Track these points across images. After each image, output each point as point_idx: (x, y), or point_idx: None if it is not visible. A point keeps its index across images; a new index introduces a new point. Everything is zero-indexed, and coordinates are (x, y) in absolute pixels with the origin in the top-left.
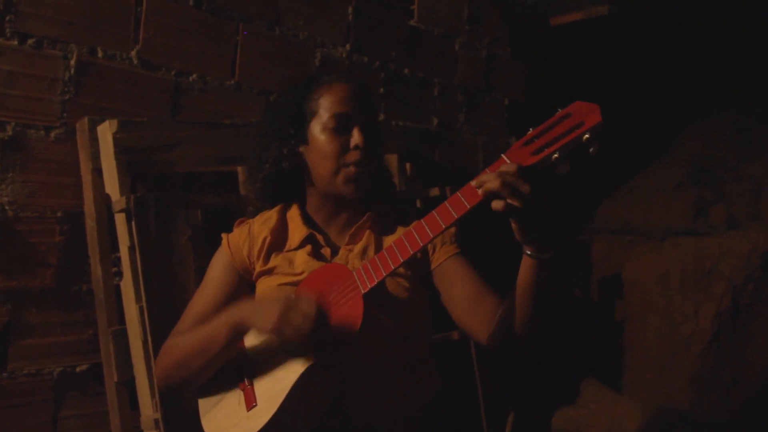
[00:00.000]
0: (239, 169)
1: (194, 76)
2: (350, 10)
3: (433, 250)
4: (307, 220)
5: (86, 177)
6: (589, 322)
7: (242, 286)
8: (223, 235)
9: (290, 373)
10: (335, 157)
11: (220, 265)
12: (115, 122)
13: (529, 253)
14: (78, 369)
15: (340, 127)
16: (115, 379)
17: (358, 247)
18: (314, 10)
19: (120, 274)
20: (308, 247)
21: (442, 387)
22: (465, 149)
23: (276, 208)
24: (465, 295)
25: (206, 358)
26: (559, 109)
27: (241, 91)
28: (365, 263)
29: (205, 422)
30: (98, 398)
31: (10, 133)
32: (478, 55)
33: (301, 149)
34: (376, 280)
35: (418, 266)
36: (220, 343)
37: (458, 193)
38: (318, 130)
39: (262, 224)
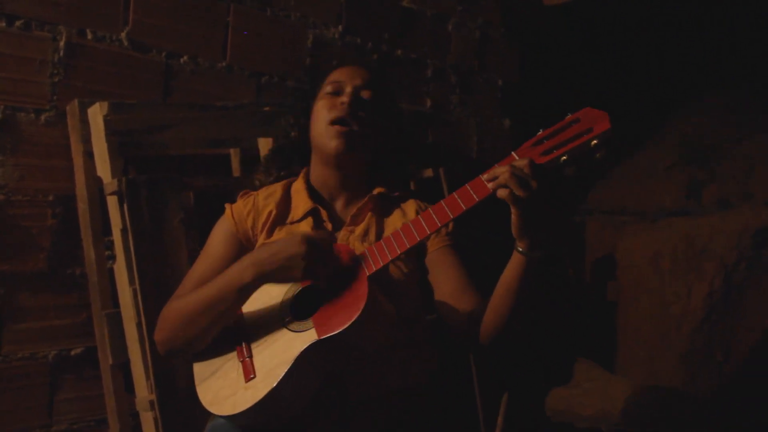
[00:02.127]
0: (231, 151)
1: (185, 57)
2: None
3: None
4: (312, 192)
5: (77, 160)
6: (582, 303)
7: (244, 254)
8: (227, 206)
9: (291, 348)
10: (326, 115)
11: (222, 234)
12: (105, 104)
13: (520, 249)
14: (72, 352)
15: (335, 91)
16: (110, 361)
17: (359, 229)
18: None
19: (113, 257)
20: (311, 221)
21: (438, 367)
22: (458, 130)
23: (281, 183)
24: (447, 288)
25: (216, 313)
26: (569, 114)
27: (232, 72)
28: (371, 246)
29: (201, 390)
30: (93, 381)
31: (0, 116)
32: (471, 36)
33: (311, 120)
34: (382, 263)
35: (417, 251)
36: (233, 294)
37: (467, 186)
38: (320, 97)
39: (267, 197)
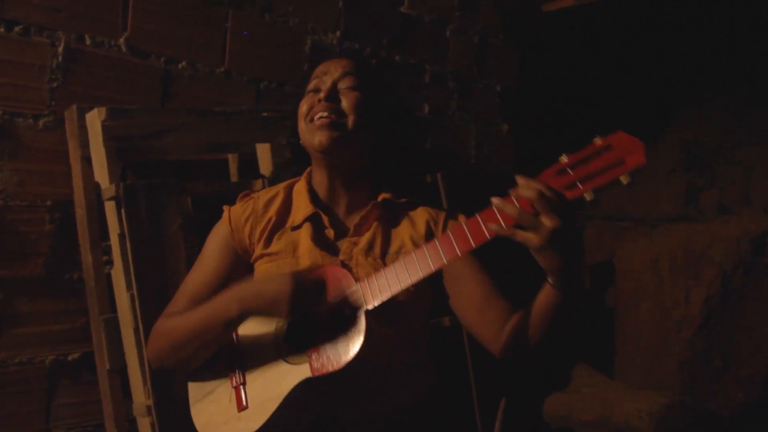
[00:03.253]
0: (230, 156)
1: (184, 63)
2: None
3: None
4: (313, 195)
5: (75, 165)
6: (581, 308)
7: (239, 265)
8: (225, 208)
9: (284, 381)
10: (304, 111)
11: (217, 241)
12: (104, 110)
13: (551, 282)
14: (70, 357)
15: (315, 88)
16: (108, 366)
17: (363, 241)
18: None
19: (111, 262)
20: (310, 227)
21: (435, 386)
22: (457, 136)
23: (282, 184)
24: (474, 300)
25: (204, 341)
26: (598, 138)
27: (231, 78)
28: (372, 276)
29: (195, 412)
30: (91, 386)
31: None
32: (470, 42)
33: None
34: (382, 299)
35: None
36: (219, 327)
37: (479, 218)
38: (303, 99)
39: (268, 203)
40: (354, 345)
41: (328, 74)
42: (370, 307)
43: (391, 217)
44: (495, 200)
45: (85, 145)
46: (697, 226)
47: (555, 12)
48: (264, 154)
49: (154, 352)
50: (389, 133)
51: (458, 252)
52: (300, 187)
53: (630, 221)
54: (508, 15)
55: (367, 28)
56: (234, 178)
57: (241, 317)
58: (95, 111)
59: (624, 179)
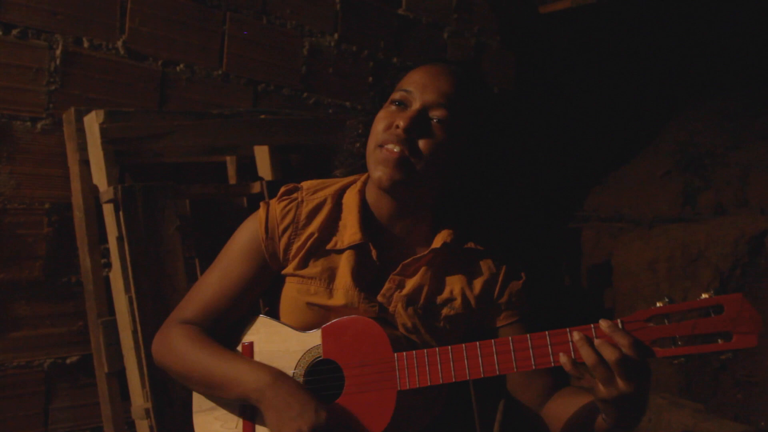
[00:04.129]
0: (228, 158)
1: (181, 65)
2: None
3: (496, 312)
4: (364, 215)
5: (73, 168)
6: (579, 310)
7: (265, 273)
8: (262, 204)
9: None
10: (377, 134)
11: (246, 243)
12: (101, 112)
13: (607, 420)
14: (68, 360)
15: (400, 102)
16: (106, 369)
17: (409, 285)
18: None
19: (109, 264)
20: (354, 258)
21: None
22: None
23: (331, 190)
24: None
25: (206, 392)
26: (709, 295)
27: (228, 80)
28: (411, 354)
29: (197, 422)
30: (89, 389)
31: None
32: (467, 44)
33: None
34: (418, 385)
35: (471, 320)
36: (226, 394)
37: (548, 338)
38: (385, 105)
39: (312, 213)
40: (378, 424)
41: (421, 92)
42: (403, 388)
43: (447, 263)
44: (575, 335)
45: (83, 147)
46: (694, 227)
47: (551, 14)
48: (262, 156)
49: (160, 360)
50: (471, 168)
51: (515, 369)
52: (351, 200)
53: (627, 223)
54: (504, 17)
55: (365, 30)
56: (232, 181)
57: (254, 404)
58: (93, 114)
59: (725, 356)
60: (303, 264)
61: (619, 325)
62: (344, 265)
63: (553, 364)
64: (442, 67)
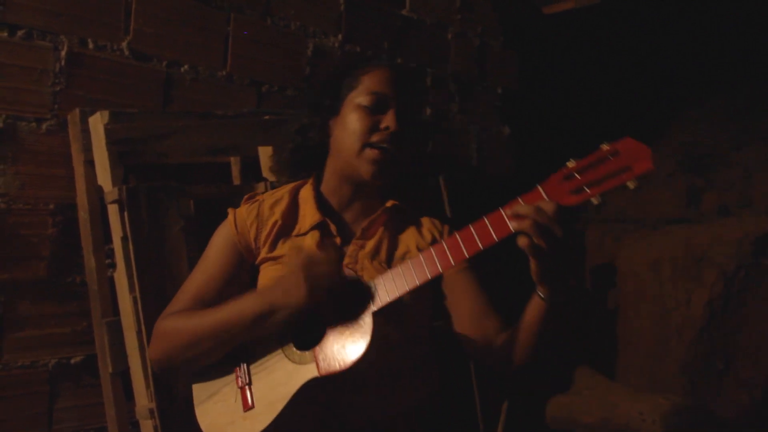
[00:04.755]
0: (232, 159)
1: (185, 66)
2: None
3: None
4: (320, 202)
5: (78, 168)
6: (582, 310)
7: (243, 266)
8: (230, 210)
9: (291, 380)
10: (362, 135)
11: (222, 242)
12: (106, 113)
13: (541, 295)
14: (73, 360)
15: (374, 107)
16: (110, 369)
17: (369, 245)
18: (305, 0)
19: (113, 265)
20: (317, 235)
21: (440, 386)
22: (458, 138)
23: (287, 188)
24: (466, 314)
25: (222, 341)
26: (606, 144)
27: (232, 81)
28: (380, 278)
29: (199, 413)
30: (93, 389)
31: (1, 125)
32: (470, 45)
33: (332, 122)
34: (389, 300)
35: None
36: (243, 327)
37: (486, 220)
38: (352, 106)
39: (273, 205)
40: (360, 345)
41: (393, 99)
42: (376, 308)
43: (397, 224)
44: (506, 210)
45: (87, 148)
46: (698, 227)
47: (555, 15)
48: (266, 157)
49: (160, 352)
50: (418, 149)
51: (466, 253)
52: (306, 194)
53: (631, 223)
54: (508, 18)
55: (369, 30)
56: (236, 181)
57: (264, 311)
58: (98, 114)
59: (631, 184)
60: (272, 247)
61: (540, 190)
62: (309, 243)
63: (496, 239)
64: (405, 70)
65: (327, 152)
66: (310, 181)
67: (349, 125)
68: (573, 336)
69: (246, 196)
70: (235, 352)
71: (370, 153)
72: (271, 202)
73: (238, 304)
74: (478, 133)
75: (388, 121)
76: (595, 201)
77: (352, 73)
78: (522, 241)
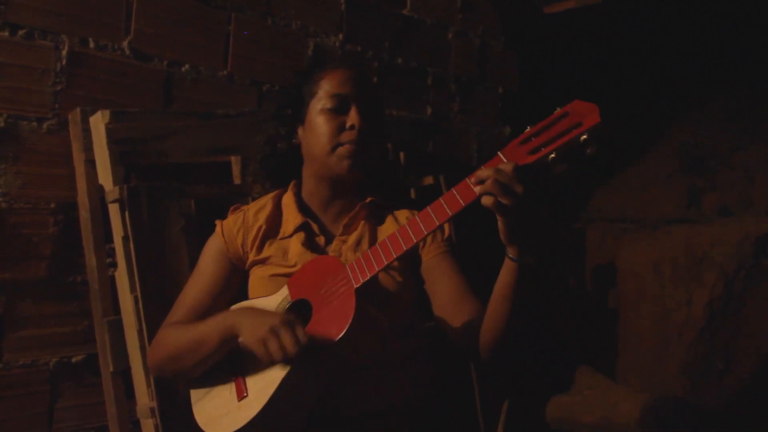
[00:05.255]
0: (232, 159)
1: (186, 66)
2: None
3: (424, 245)
4: (301, 206)
5: (79, 168)
6: (583, 310)
7: (235, 275)
8: (217, 222)
9: (280, 366)
10: (331, 136)
11: (213, 253)
12: (107, 113)
13: (511, 255)
14: (74, 359)
15: (337, 108)
16: (111, 369)
17: (351, 239)
18: (306, 0)
19: (114, 264)
20: (302, 236)
21: (434, 380)
22: (459, 139)
23: (270, 195)
24: (444, 296)
25: (198, 358)
26: (558, 108)
27: (233, 81)
28: (358, 257)
29: (196, 410)
30: (94, 388)
31: (2, 124)
32: (471, 45)
33: (299, 130)
34: (369, 275)
35: (410, 259)
36: (212, 345)
37: (453, 190)
38: (316, 111)
39: (257, 212)
40: (345, 320)
41: (353, 98)
42: (358, 284)
43: (377, 217)
44: (471, 178)
45: (88, 148)
46: (699, 228)
47: (556, 14)
48: None
49: (153, 362)
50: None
51: (436, 221)
52: (288, 200)
53: (631, 223)
54: (509, 17)
55: (369, 30)
56: (237, 181)
57: (230, 340)
58: (99, 114)
59: (583, 138)
60: (259, 250)
61: (500, 155)
62: (295, 243)
63: (463, 204)
64: (358, 68)
65: (301, 159)
66: (291, 187)
67: (317, 129)
68: (573, 336)
69: (231, 208)
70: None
71: (342, 150)
72: (255, 209)
73: (210, 325)
74: (479, 134)
75: (353, 119)
76: (552, 156)
77: (310, 79)
78: (486, 200)
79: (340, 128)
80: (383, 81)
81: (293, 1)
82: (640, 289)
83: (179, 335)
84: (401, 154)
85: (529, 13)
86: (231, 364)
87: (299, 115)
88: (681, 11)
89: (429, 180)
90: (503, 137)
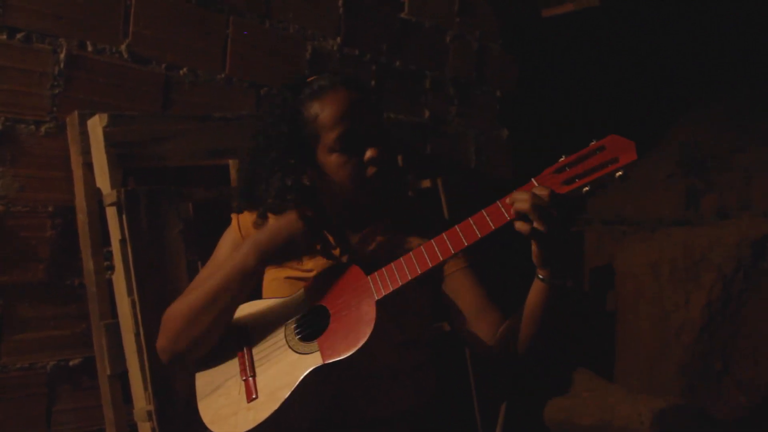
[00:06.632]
0: (230, 162)
1: (185, 69)
2: (341, 2)
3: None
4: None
5: (77, 171)
6: (581, 312)
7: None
8: (233, 216)
9: (296, 369)
10: (354, 180)
11: (230, 245)
12: (105, 116)
13: (541, 277)
14: (71, 363)
15: (348, 147)
16: (108, 372)
17: (369, 248)
18: (305, 3)
19: (112, 267)
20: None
21: (437, 387)
22: (457, 142)
23: None
24: (468, 309)
25: (219, 307)
26: (594, 141)
27: (231, 84)
28: (381, 270)
29: (202, 407)
30: (91, 392)
31: (0, 127)
32: (469, 48)
33: (308, 174)
34: (392, 288)
35: (429, 273)
36: (236, 283)
37: (483, 212)
38: (325, 155)
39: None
40: (364, 332)
41: (364, 135)
42: (380, 296)
43: (395, 230)
44: (506, 200)
45: (86, 151)
46: (697, 230)
47: (554, 17)
48: None
49: (165, 338)
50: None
51: (465, 242)
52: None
53: (630, 225)
54: (507, 21)
55: (367, 34)
56: (235, 184)
57: (259, 266)
58: (97, 117)
59: (618, 174)
60: None
61: (533, 182)
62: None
63: (493, 227)
64: (345, 88)
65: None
66: None
67: (337, 174)
68: (572, 338)
69: (233, 215)
70: (239, 344)
71: (370, 187)
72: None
73: (230, 262)
74: (477, 136)
75: (370, 154)
76: (585, 189)
77: (303, 120)
78: (522, 226)
79: (360, 167)
80: (381, 84)
81: (291, 4)
82: (639, 290)
83: (192, 296)
84: (399, 157)
85: (527, 16)
86: (241, 361)
87: (305, 163)
88: (679, 14)
89: (427, 183)
90: (501, 140)
